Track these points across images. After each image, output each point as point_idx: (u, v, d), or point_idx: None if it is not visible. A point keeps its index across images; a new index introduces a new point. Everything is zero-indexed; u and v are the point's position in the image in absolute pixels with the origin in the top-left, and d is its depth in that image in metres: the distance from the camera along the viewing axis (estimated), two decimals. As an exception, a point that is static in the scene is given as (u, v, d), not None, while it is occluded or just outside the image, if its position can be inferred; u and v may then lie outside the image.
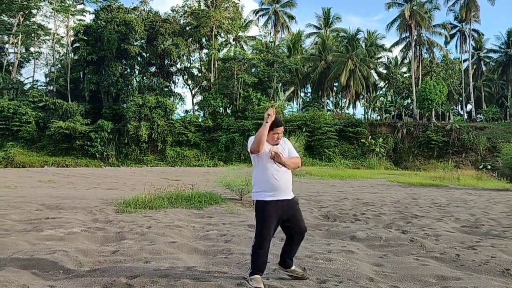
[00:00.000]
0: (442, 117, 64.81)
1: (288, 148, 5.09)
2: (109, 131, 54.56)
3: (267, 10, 69.31)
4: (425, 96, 52.57)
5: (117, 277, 4.98)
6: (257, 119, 54.51)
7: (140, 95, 58.19)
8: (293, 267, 5.13)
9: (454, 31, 65.82)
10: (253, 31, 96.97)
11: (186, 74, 69.24)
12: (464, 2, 59.71)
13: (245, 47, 70.69)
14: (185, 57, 67.71)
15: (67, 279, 5.06)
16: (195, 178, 27.87)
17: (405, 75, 66.89)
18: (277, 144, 5.01)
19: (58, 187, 20.65)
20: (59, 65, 66.38)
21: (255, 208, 4.91)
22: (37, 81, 67.80)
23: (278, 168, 4.90)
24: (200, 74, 69.41)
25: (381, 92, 70.93)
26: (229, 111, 62.47)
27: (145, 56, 64.26)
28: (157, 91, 61.90)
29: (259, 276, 4.83)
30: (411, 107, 63.50)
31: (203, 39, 66.59)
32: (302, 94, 76.08)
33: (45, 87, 65.20)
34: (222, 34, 68.24)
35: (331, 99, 73.52)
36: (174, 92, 68.01)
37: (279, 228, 5.04)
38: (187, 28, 65.40)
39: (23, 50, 66.52)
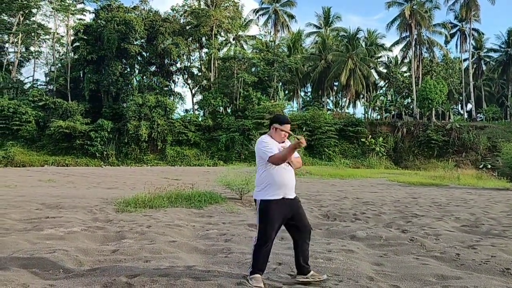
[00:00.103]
0: (442, 116, 64.83)
1: None
2: (109, 130, 54.57)
3: (267, 9, 69.32)
4: (425, 95, 52.57)
5: (117, 276, 4.98)
6: (257, 118, 54.54)
7: (140, 94, 58.19)
8: (312, 272, 5.03)
9: (454, 30, 65.88)
10: (253, 30, 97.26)
11: (186, 73, 69.25)
12: (464, 2, 59.73)
13: (245, 47, 70.73)
14: (185, 57, 67.74)
15: (67, 278, 5.06)
16: (195, 177, 27.87)
17: (405, 75, 66.93)
18: (283, 142, 5.03)
19: (58, 187, 20.64)
20: (59, 65, 66.40)
21: (259, 208, 4.89)
22: (37, 80, 67.96)
23: (286, 167, 4.92)
24: (200, 74, 69.40)
25: (381, 91, 70.97)
26: (229, 111, 62.46)
27: (145, 55, 64.28)
28: (157, 91, 61.89)
29: (259, 276, 4.84)
30: (411, 106, 63.53)
31: (203, 39, 66.59)
32: (302, 94, 76.15)
33: (45, 87, 65.22)
34: (222, 34, 68.25)
35: (331, 98, 73.59)
36: (174, 91, 68.07)
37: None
38: (187, 28, 65.38)
39: (23, 50, 66.58)
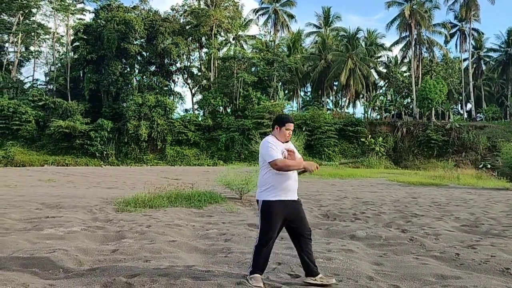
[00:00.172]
0: (442, 116, 64.82)
1: (292, 149, 5.10)
2: (109, 130, 54.58)
3: (267, 9, 69.35)
4: (425, 95, 52.58)
5: (117, 276, 4.98)
6: (257, 118, 54.55)
7: (140, 94, 58.19)
8: (321, 275, 4.97)
9: (454, 30, 65.89)
10: (253, 30, 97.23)
11: (186, 73, 69.25)
12: (464, 1, 59.76)
13: (245, 46, 70.71)
14: (185, 56, 67.72)
15: (67, 278, 5.06)
16: (195, 177, 27.89)
17: (405, 74, 66.91)
18: (287, 142, 5.03)
19: (58, 186, 20.66)
20: (59, 64, 66.38)
21: (262, 208, 4.88)
22: (37, 80, 67.95)
23: None
24: (200, 73, 69.40)
25: (381, 91, 70.99)
26: (229, 110, 62.46)
27: (145, 55, 64.28)
28: (157, 90, 61.86)
29: (259, 275, 4.84)
30: (411, 106, 63.54)
31: (203, 38, 66.59)
32: (302, 93, 76.12)
33: (45, 86, 65.22)
34: (222, 33, 68.23)
35: (331, 98, 73.55)
36: (173, 91, 68.01)
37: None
38: (187, 27, 65.37)
39: (23, 49, 66.61)
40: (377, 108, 66.50)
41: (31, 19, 65.21)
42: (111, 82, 58.16)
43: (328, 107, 70.59)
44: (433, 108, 55.95)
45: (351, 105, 71.45)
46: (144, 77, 64.66)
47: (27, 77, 69.93)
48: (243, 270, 5.37)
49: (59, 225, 8.49)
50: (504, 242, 7.50)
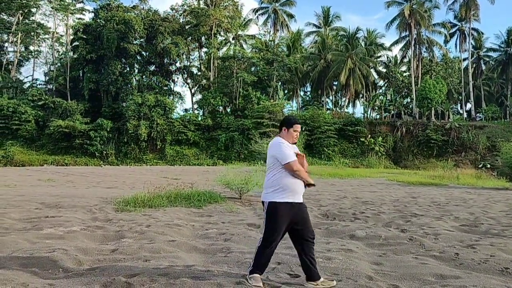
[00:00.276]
0: (442, 116, 64.84)
1: (300, 153, 5.13)
2: (108, 130, 54.55)
3: (266, 8, 69.35)
4: (425, 95, 52.58)
5: (117, 276, 4.98)
6: (256, 118, 54.55)
7: (140, 94, 58.16)
8: (322, 278, 4.94)
9: (454, 30, 65.89)
10: (253, 29, 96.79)
11: (185, 73, 69.23)
12: (464, 1, 59.78)
13: (244, 46, 70.69)
14: (184, 56, 67.67)
15: (67, 278, 5.06)
16: (195, 177, 27.89)
17: (404, 74, 66.85)
18: (295, 143, 5.04)
19: (57, 186, 20.65)
20: (59, 64, 66.34)
21: (268, 209, 4.85)
22: (36, 79, 67.88)
23: None
24: (199, 73, 69.37)
25: (380, 91, 71.00)
26: (228, 110, 62.45)
27: (145, 55, 64.25)
28: (157, 90, 61.82)
29: (258, 275, 4.84)
30: (410, 106, 63.54)
31: (203, 38, 66.59)
32: (302, 93, 76.11)
33: (44, 86, 65.18)
34: (222, 33, 68.20)
35: (331, 98, 73.56)
36: (173, 91, 67.95)
37: None
38: (187, 27, 65.35)
39: (23, 49, 66.59)
40: (376, 108, 66.52)
41: (31, 19, 65.16)
42: (110, 82, 58.14)
43: (327, 107, 70.64)
44: (433, 108, 55.97)
45: (350, 105, 71.59)
46: (143, 76, 64.62)
47: (27, 77, 70.23)
48: (242, 269, 5.37)
49: (58, 224, 8.49)
50: (504, 242, 7.50)
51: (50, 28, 66.52)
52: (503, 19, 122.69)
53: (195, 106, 67.28)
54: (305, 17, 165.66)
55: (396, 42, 65.31)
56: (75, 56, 62.14)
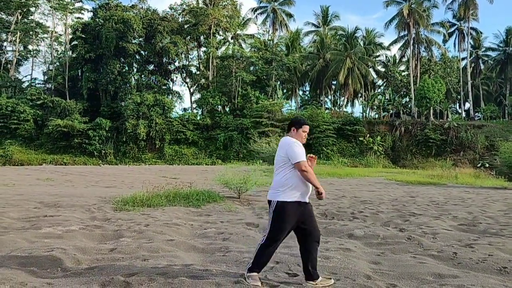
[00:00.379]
0: (440, 115, 64.87)
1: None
2: (107, 129, 54.55)
3: (265, 8, 69.31)
4: (423, 94, 52.57)
5: (115, 275, 4.98)
6: (255, 117, 54.56)
7: (138, 93, 58.14)
8: (321, 278, 4.96)
9: (453, 29, 65.93)
10: (252, 29, 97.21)
11: (184, 72, 69.21)
12: (463, 1, 59.84)
13: (243, 45, 70.68)
14: (183, 55, 67.66)
15: (65, 277, 5.06)
16: (193, 176, 27.88)
17: (403, 74, 66.85)
18: (303, 144, 5.04)
19: (56, 185, 20.63)
20: (57, 63, 66.24)
21: (276, 209, 4.82)
22: (35, 79, 67.99)
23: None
24: (198, 72, 69.33)
25: (379, 90, 70.97)
26: (227, 109, 62.45)
27: (143, 54, 64.21)
28: (155, 89, 61.81)
29: (256, 274, 4.84)
30: (409, 105, 63.53)
31: (201, 37, 66.57)
32: (301, 93, 76.10)
33: (43, 85, 65.18)
34: (221, 32, 68.19)
35: (330, 97, 73.52)
36: (172, 90, 67.98)
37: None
38: (185, 26, 65.33)
39: (21, 48, 66.52)
40: (375, 107, 66.49)
41: (30, 18, 65.05)
42: (109, 81, 58.12)
43: (326, 106, 70.56)
44: (431, 107, 55.99)
45: (349, 104, 71.65)
46: (142, 76, 64.63)
47: (26, 76, 70.16)
48: (241, 269, 5.37)
49: (57, 224, 8.49)
50: (502, 241, 7.51)
51: (49, 27, 66.46)
52: (502, 19, 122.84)
53: (194, 105, 67.29)
54: (304, 17, 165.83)
55: (394, 42, 65.28)
56: (74, 55, 62.12)
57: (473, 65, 68.99)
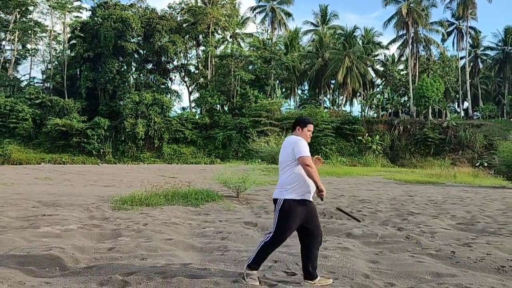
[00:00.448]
0: (439, 114, 64.93)
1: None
2: (105, 128, 54.53)
3: (264, 7, 69.28)
4: (422, 93, 52.59)
5: (113, 274, 4.98)
6: (254, 116, 54.55)
7: (137, 92, 58.12)
8: (319, 277, 4.94)
9: (451, 28, 65.96)
10: (250, 28, 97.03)
11: (183, 71, 69.16)
12: (461, 0, 59.75)
13: (242, 44, 70.62)
14: (182, 54, 67.59)
15: (64, 276, 5.06)
16: (192, 175, 27.86)
17: (402, 73, 66.94)
18: (308, 143, 5.03)
19: (54, 184, 20.62)
20: (56, 62, 66.19)
21: (283, 207, 4.79)
22: (33, 78, 67.81)
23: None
24: (197, 71, 69.30)
25: (378, 89, 71.03)
26: (226, 108, 62.47)
27: (142, 53, 64.14)
28: (154, 88, 61.80)
29: (255, 272, 4.84)
30: (408, 104, 63.59)
31: (200, 36, 66.54)
32: (299, 92, 76.18)
33: (41, 84, 65.11)
34: (219, 31, 68.15)
35: (328, 96, 73.52)
36: (170, 89, 67.97)
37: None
38: (184, 25, 65.28)
39: (20, 47, 66.43)
40: (374, 106, 66.54)
41: (28, 17, 65.00)
42: (108, 80, 58.09)
43: (325, 105, 70.59)
44: (430, 107, 56.00)
45: (348, 103, 71.69)
46: (141, 75, 64.61)
47: (24, 75, 69.98)
48: (239, 268, 5.37)
49: (55, 223, 8.48)
50: (500, 240, 7.52)
51: (47, 26, 66.51)
52: (500, 18, 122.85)
53: (193, 104, 67.29)
54: (302, 16, 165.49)
55: (393, 41, 65.24)
56: (73, 54, 62.10)
57: (471, 64, 69.04)
